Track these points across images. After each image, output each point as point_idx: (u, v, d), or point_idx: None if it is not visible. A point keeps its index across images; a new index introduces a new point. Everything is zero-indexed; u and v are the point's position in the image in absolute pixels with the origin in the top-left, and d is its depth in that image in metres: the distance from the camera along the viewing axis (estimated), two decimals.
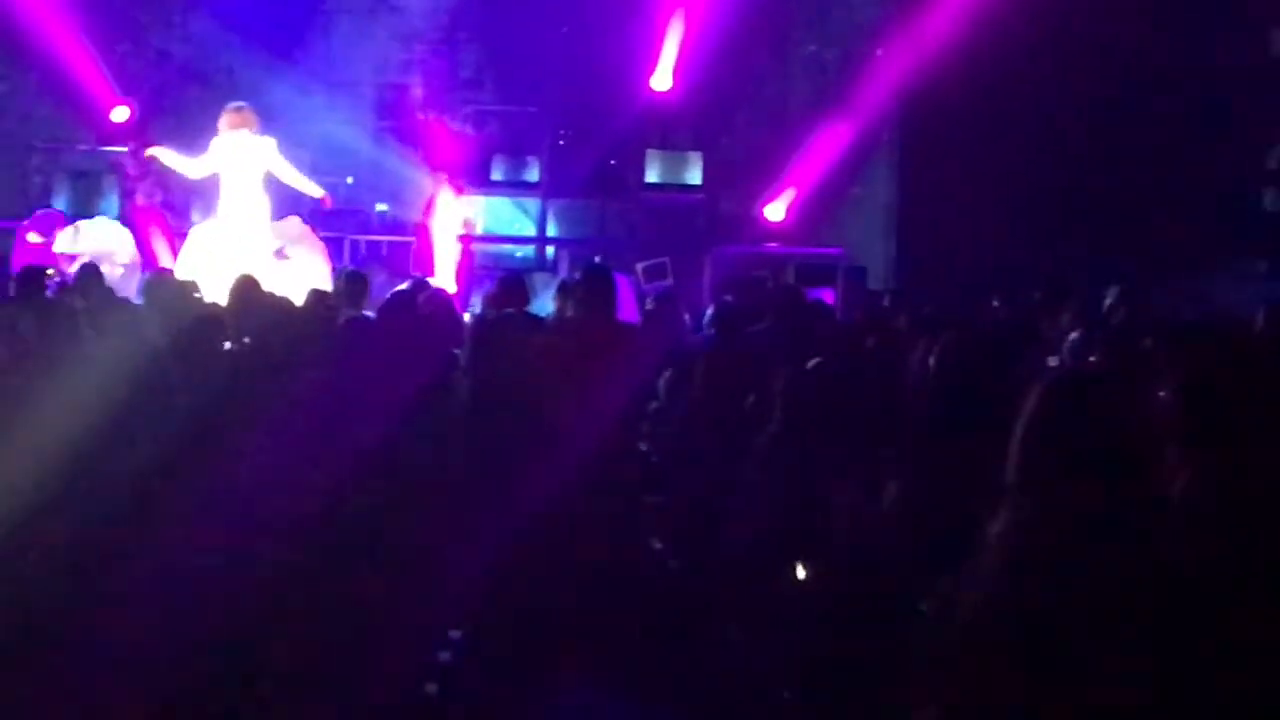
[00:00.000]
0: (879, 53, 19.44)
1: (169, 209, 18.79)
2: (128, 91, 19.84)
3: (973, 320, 11.31)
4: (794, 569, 6.79)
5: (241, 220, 16.55)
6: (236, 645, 6.23)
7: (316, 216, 19.12)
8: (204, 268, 15.85)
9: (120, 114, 19.67)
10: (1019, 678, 3.61)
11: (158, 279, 12.38)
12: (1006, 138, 18.48)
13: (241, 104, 16.79)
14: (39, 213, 18.30)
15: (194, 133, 18.90)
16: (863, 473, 6.52)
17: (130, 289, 15.43)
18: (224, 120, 16.60)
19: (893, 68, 19.10)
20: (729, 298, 14.13)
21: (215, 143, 16.51)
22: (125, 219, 18.76)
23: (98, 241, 17.69)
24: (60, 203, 19.37)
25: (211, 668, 6.08)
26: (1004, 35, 17.84)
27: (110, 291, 12.34)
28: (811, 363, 8.58)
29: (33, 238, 17.68)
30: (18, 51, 19.80)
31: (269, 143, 16.55)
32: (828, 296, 17.48)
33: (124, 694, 5.67)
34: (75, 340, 8.61)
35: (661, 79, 20.29)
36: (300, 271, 16.71)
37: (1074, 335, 10.53)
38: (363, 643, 7.06)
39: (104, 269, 15.31)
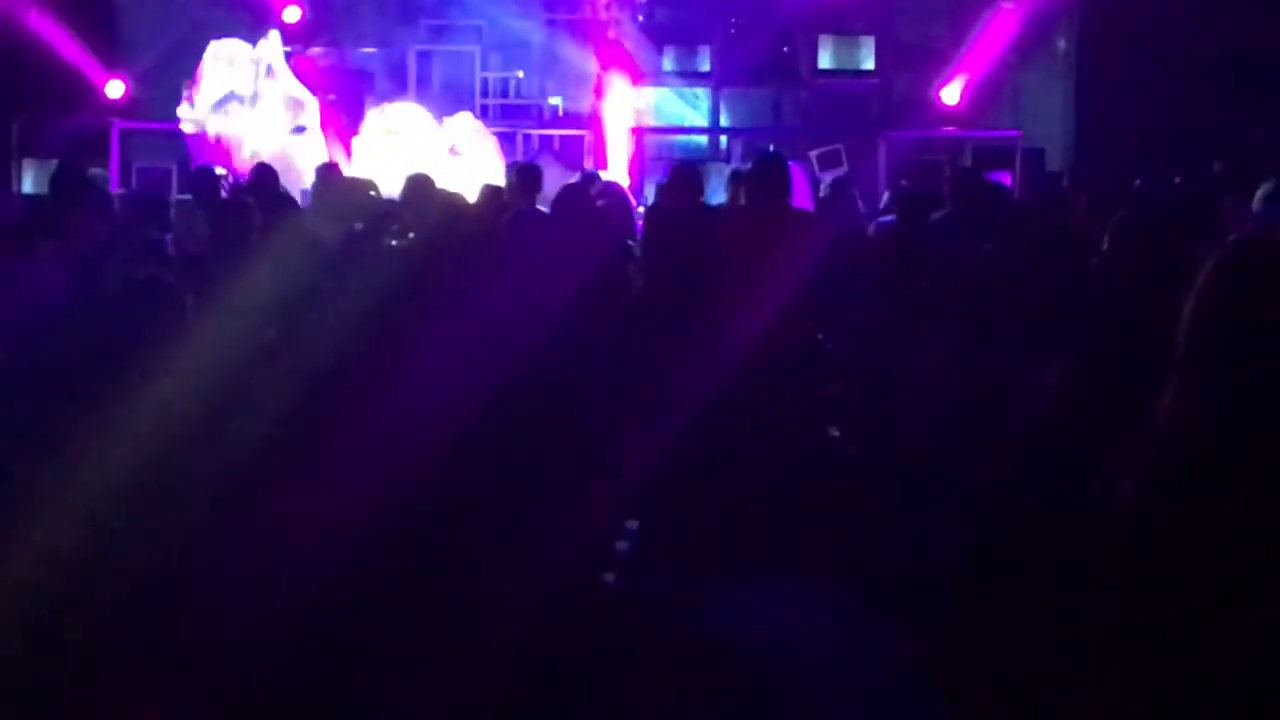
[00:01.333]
0: None
1: (340, 107, 18.87)
2: None
3: (1152, 198, 11.09)
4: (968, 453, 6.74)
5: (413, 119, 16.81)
6: (410, 538, 6.26)
7: (489, 112, 19.20)
8: (377, 163, 16.03)
9: (292, 14, 19.77)
10: (1185, 564, 3.52)
11: (330, 177, 12.44)
12: (1189, 11, 18.06)
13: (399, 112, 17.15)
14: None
15: (360, 35, 19.04)
16: (1041, 356, 6.41)
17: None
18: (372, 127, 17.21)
19: None
20: (905, 183, 13.98)
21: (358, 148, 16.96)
22: None
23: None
24: None
25: (386, 557, 6.12)
26: None
27: (284, 192, 12.41)
28: (989, 247, 8.47)
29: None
30: None
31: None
32: (1006, 179, 17.24)
33: (301, 579, 5.72)
34: (246, 239, 8.66)
35: None
36: (473, 167, 16.76)
37: (1257, 209, 10.28)
38: (540, 533, 7.08)
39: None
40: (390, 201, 10.50)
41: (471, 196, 11.08)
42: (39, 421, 5.80)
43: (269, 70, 17.92)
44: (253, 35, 19.56)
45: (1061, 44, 19.98)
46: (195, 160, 16.88)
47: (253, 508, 5.91)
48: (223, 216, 9.19)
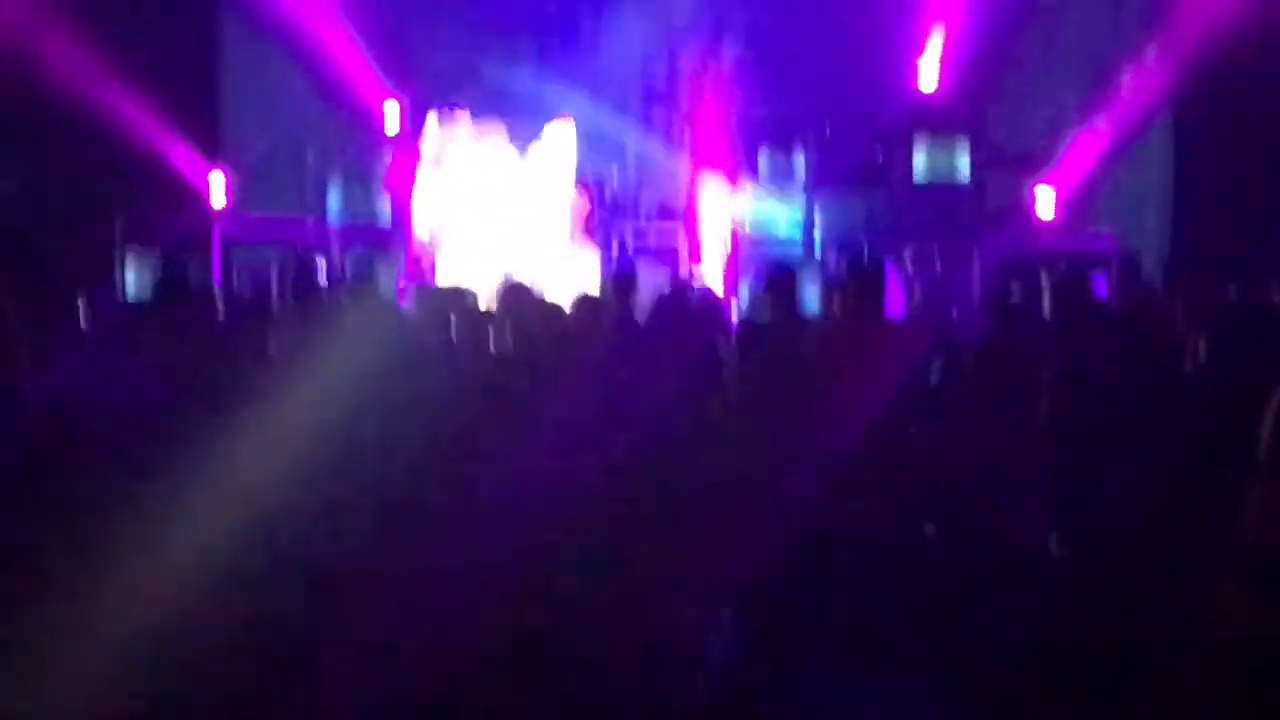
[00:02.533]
0: (1151, 40, 19.11)
1: None
2: (399, 87, 20.14)
3: (1251, 310, 11.03)
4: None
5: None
6: (503, 631, 6.30)
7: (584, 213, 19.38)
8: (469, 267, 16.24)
9: (391, 107, 20.02)
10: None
11: (427, 286, 12.56)
12: None
13: None
14: None
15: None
16: (1137, 460, 6.42)
17: None
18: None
19: (1167, 52, 18.73)
20: (1000, 288, 13.96)
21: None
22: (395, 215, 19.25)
23: None
24: (334, 198, 19.71)
25: (479, 657, 6.16)
26: None
27: (381, 293, 12.52)
28: (1085, 354, 8.47)
29: None
30: (292, 50, 20.22)
31: None
32: (1100, 286, 17.19)
33: (398, 680, 5.76)
34: (334, 338, 8.70)
35: (927, 79, 20.23)
36: (568, 267, 16.90)
37: None
38: (631, 634, 7.10)
39: None
40: (486, 310, 10.58)
41: (566, 302, 11.16)
42: (139, 524, 5.89)
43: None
44: (350, 131, 19.89)
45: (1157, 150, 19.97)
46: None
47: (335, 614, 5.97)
48: (317, 315, 9.29)
